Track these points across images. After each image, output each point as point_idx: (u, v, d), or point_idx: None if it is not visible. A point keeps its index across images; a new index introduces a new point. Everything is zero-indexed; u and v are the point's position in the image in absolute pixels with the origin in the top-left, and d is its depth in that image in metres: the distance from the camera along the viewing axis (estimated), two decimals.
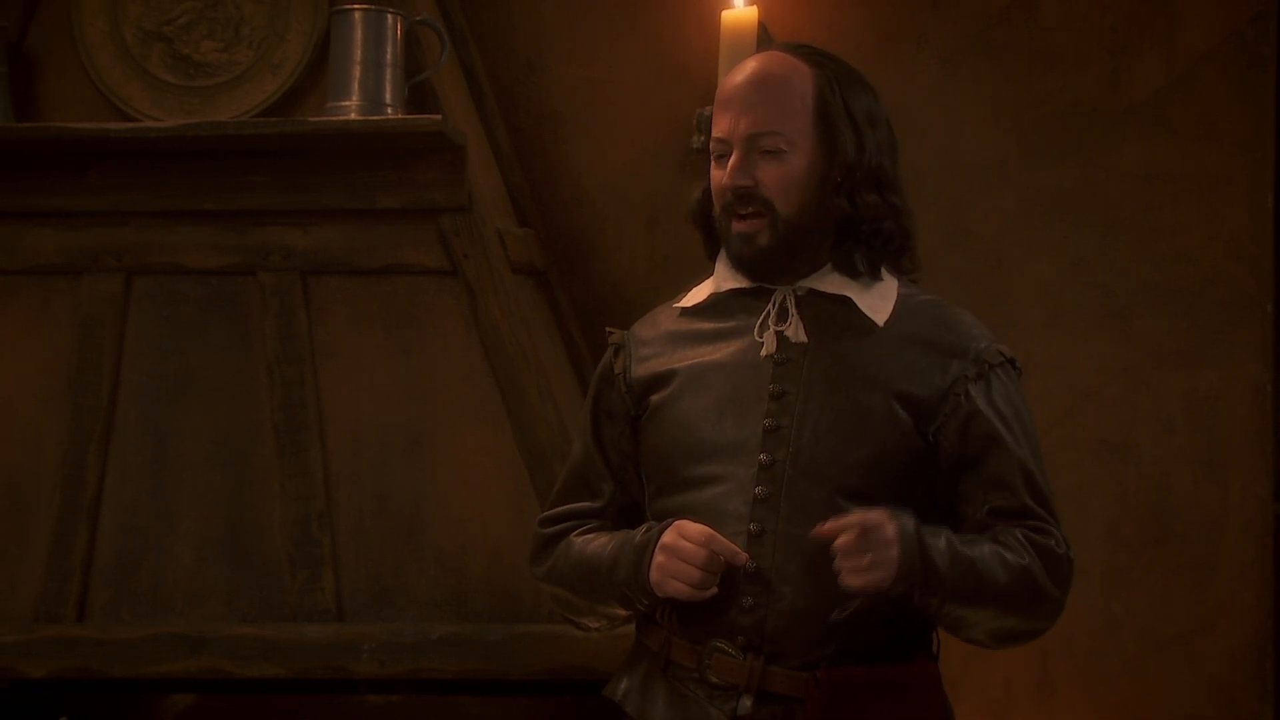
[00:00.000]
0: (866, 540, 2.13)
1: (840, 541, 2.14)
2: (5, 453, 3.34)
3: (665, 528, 2.27)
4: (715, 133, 2.33)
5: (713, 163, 2.34)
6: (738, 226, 2.31)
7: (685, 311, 2.43)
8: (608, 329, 2.50)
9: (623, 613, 2.39)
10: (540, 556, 2.47)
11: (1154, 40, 3.60)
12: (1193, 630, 3.59)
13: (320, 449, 3.27)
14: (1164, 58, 3.60)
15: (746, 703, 2.25)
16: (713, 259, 2.42)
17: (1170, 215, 3.60)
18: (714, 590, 2.23)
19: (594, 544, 2.38)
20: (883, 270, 2.35)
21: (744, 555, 2.22)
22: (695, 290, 2.44)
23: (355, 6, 3.22)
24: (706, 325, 2.38)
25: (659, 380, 2.38)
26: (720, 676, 2.26)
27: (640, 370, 2.40)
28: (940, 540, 2.19)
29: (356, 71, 3.23)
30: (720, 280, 2.40)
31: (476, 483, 3.27)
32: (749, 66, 2.33)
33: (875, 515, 2.15)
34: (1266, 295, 3.58)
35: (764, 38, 3.50)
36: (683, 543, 2.23)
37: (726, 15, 3.46)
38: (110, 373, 3.31)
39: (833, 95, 2.29)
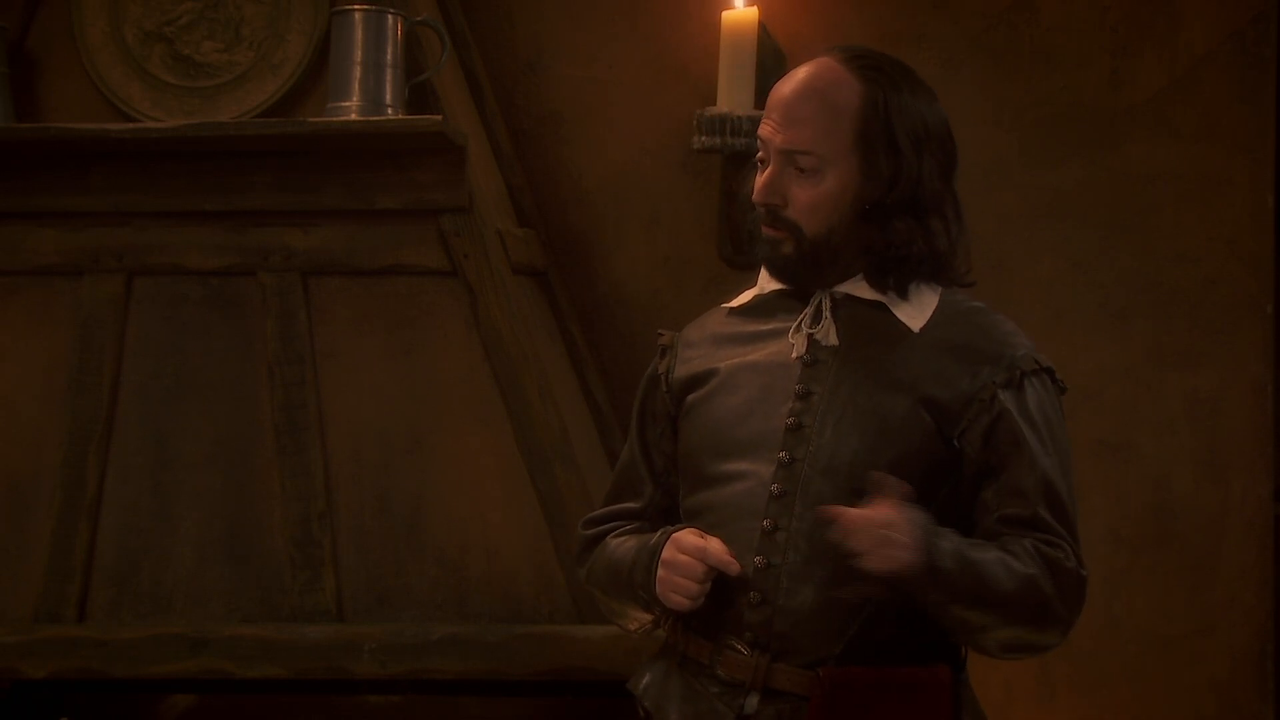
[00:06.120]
0: (886, 527, 2.11)
1: (861, 520, 2.11)
2: (5, 453, 3.34)
3: (666, 540, 2.28)
4: (760, 130, 2.30)
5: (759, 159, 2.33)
6: (766, 231, 2.31)
7: (733, 312, 2.43)
8: (659, 331, 2.51)
9: (648, 616, 2.38)
10: (582, 558, 2.49)
11: (1154, 41, 3.60)
12: (1193, 631, 3.59)
13: (321, 449, 3.27)
14: (1165, 58, 3.60)
15: (753, 700, 2.25)
16: None
17: (1171, 215, 3.60)
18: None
19: (622, 547, 2.39)
20: (919, 282, 2.32)
21: (736, 566, 2.22)
22: (746, 291, 2.44)
23: (355, 7, 3.22)
24: (750, 326, 2.39)
25: (697, 380, 2.38)
26: (729, 673, 2.27)
27: (681, 371, 2.41)
28: (946, 541, 2.15)
29: (357, 72, 3.23)
30: (764, 281, 2.40)
31: (477, 483, 3.27)
32: (798, 75, 2.29)
33: (888, 507, 2.13)
34: (1266, 295, 3.58)
35: (764, 38, 3.50)
36: (679, 557, 2.25)
37: (726, 15, 3.46)
38: (110, 373, 3.31)
39: (876, 115, 2.24)
